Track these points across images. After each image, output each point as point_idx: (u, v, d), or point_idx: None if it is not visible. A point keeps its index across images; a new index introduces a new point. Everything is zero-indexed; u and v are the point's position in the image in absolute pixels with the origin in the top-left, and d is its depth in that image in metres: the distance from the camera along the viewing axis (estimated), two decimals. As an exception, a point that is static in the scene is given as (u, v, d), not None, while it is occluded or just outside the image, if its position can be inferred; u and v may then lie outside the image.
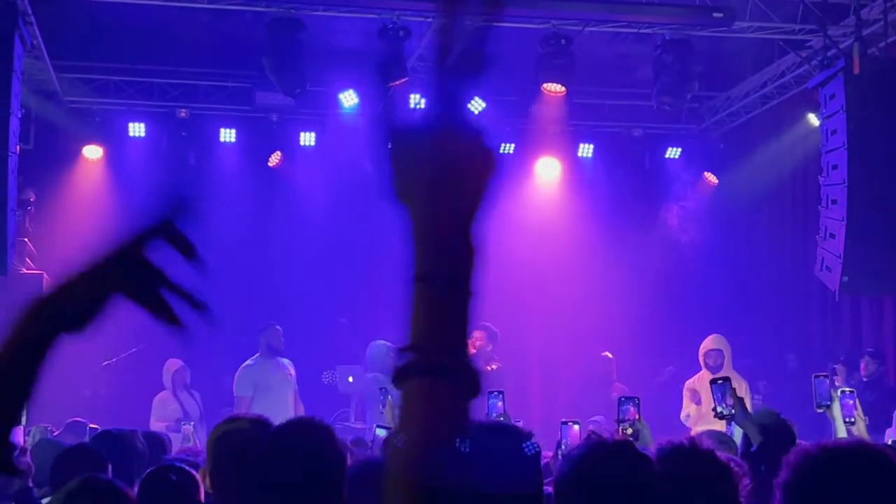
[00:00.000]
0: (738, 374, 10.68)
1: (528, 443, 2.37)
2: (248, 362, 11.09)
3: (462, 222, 1.35)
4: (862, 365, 10.83)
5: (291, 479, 2.75)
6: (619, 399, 6.42)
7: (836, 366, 10.96)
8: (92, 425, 8.89)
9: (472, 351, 10.34)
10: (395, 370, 1.31)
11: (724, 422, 5.85)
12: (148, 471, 4.22)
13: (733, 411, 5.20)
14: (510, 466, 2.35)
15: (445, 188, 1.34)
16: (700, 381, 10.68)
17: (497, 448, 2.38)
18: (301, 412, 11.09)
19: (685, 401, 10.93)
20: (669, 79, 11.82)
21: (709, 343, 10.89)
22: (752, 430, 4.96)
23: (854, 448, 2.85)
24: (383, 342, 11.19)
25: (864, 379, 10.73)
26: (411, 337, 1.32)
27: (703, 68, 12.03)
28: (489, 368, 10.41)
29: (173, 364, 11.64)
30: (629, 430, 5.74)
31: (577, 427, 6.29)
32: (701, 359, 10.91)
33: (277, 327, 11.24)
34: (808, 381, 6.72)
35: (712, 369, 10.53)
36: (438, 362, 1.29)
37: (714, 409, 5.35)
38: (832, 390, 6.44)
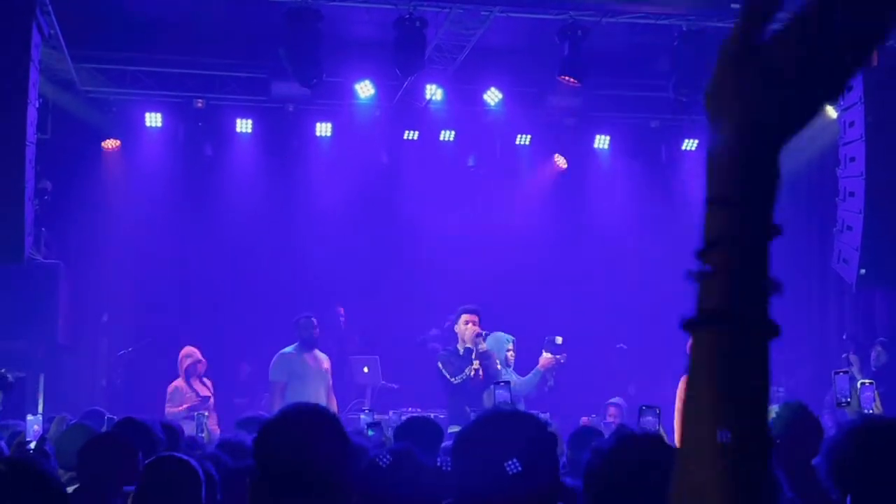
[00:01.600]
0: None
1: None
2: (285, 349, 11.10)
3: (777, 144, 1.14)
4: (872, 355, 10.81)
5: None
6: (640, 408, 6.41)
7: (848, 355, 10.93)
8: (109, 416, 8.94)
9: (474, 334, 10.29)
10: (687, 319, 1.14)
11: None
12: (147, 461, 4.22)
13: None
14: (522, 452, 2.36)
15: (767, 107, 1.13)
16: None
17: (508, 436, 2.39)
18: (334, 407, 11.12)
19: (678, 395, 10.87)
20: (687, 70, 11.77)
21: None
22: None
23: None
24: (502, 334, 11.11)
25: (873, 368, 10.71)
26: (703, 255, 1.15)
27: (721, 59, 11.96)
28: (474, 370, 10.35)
29: (189, 354, 11.66)
30: None
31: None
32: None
33: (312, 319, 11.23)
34: (821, 372, 6.72)
35: None
36: (732, 307, 1.11)
37: None
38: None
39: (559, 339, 10.67)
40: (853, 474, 2.80)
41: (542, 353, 10.55)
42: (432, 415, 10.10)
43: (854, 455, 2.81)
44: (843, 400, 6.05)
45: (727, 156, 1.14)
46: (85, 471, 4.92)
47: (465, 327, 10.41)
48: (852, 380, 6.33)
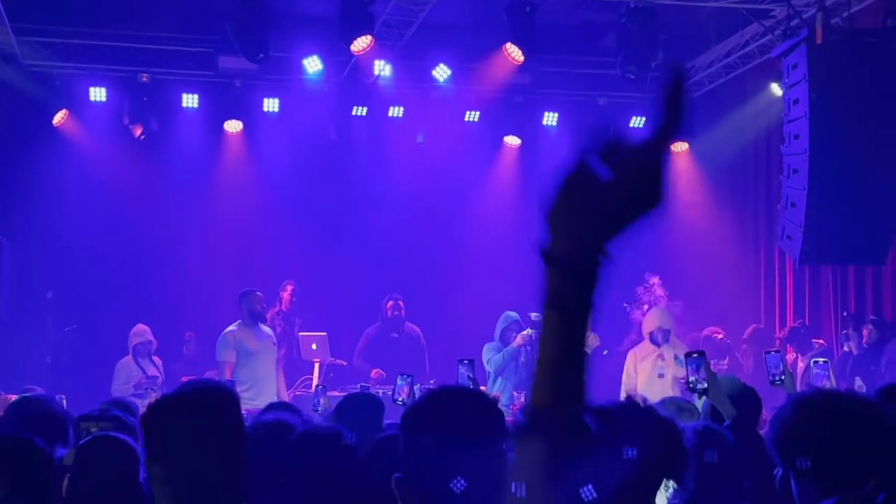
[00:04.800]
0: (679, 341, 10.98)
1: None
2: (230, 328, 11.01)
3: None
4: (864, 333, 11.07)
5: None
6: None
7: (848, 331, 11.22)
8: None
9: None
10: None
11: (677, 389, 5.95)
12: (82, 441, 4.20)
13: (706, 385, 5.25)
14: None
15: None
16: (642, 351, 10.84)
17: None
18: (282, 380, 11.13)
19: (627, 369, 11.05)
20: (634, 47, 11.82)
21: (654, 321, 10.93)
22: (725, 405, 5.02)
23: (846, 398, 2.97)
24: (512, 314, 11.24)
25: (865, 346, 10.99)
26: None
27: (668, 37, 12.03)
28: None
29: (138, 332, 11.57)
30: None
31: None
32: (645, 334, 11.00)
33: (258, 293, 11.17)
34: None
35: (658, 343, 10.71)
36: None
37: (687, 382, 5.42)
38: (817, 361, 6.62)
39: (534, 315, 10.86)
40: (795, 445, 2.84)
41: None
42: (380, 391, 10.13)
43: (797, 426, 2.85)
44: (777, 378, 6.13)
45: (562, 261, 1.52)
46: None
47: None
48: (783, 358, 6.42)
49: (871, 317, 11.52)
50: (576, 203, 1.53)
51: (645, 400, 2.66)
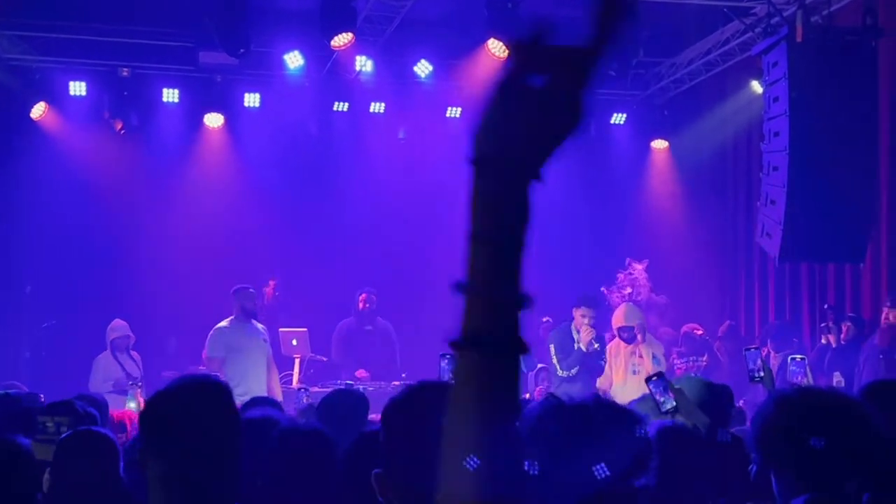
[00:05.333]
0: (653, 337, 11.01)
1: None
2: (221, 324, 10.92)
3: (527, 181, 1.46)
4: (843, 329, 11.11)
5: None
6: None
7: (828, 324, 11.26)
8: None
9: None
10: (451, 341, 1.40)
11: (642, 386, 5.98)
12: (63, 435, 4.19)
13: (675, 403, 5.26)
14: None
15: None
16: (616, 347, 10.84)
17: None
18: (275, 375, 11.02)
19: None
20: (615, 44, 11.82)
21: (619, 319, 10.91)
22: (698, 418, 5.04)
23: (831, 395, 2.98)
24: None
25: (843, 342, 11.03)
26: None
27: (649, 35, 12.06)
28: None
29: (116, 327, 11.51)
30: None
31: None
32: (614, 330, 10.99)
33: (251, 290, 11.07)
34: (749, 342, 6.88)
35: (626, 341, 10.72)
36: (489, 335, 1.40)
37: (659, 406, 5.43)
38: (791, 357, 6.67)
39: None
40: (776, 442, 2.84)
41: None
42: (361, 387, 10.12)
43: (778, 423, 2.86)
44: (757, 375, 6.16)
45: (486, 194, 1.43)
46: None
47: (582, 320, 10.58)
48: (761, 356, 6.46)
49: (850, 314, 11.58)
50: (508, 109, 1.40)
51: (606, 394, 2.68)
